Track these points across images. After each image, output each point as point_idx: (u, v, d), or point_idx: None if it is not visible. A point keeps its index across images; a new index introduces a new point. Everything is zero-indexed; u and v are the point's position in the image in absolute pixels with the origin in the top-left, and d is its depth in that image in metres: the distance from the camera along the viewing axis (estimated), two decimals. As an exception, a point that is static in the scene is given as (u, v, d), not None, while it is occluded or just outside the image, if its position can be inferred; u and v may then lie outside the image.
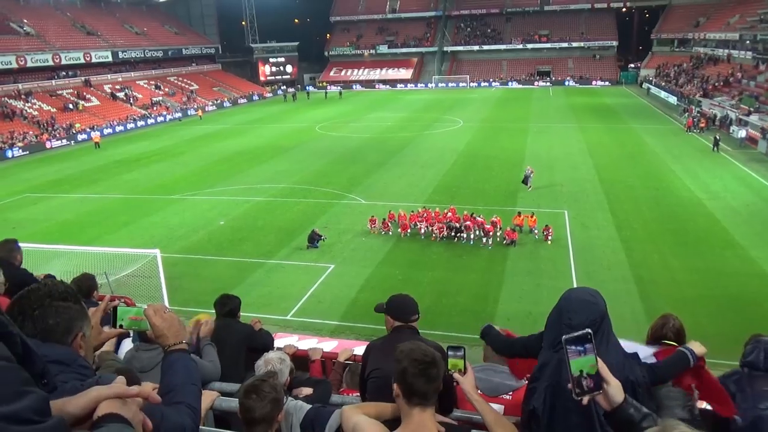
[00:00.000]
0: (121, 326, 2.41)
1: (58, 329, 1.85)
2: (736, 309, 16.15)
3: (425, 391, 2.32)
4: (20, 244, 16.85)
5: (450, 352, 2.73)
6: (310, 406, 2.97)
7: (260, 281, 19.23)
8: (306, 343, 12.86)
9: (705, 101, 50.48)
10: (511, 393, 3.74)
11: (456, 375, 2.59)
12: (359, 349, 12.17)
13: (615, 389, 1.95)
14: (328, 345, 12.82)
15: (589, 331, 1.99)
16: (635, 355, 2.81)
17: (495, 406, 3.66)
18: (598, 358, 1.96)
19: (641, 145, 38.70)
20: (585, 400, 1.92)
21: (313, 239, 21.64)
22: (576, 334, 1.98)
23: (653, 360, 3.20)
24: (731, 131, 40.52)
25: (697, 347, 3.08)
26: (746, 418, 3.25)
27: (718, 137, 36.38)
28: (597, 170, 31.93)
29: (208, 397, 3.12)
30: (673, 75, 66.64)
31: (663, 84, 65.95)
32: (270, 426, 2.65)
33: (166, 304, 17.08)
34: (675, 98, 57.93)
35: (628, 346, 3.06)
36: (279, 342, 11.41)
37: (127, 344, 4.55)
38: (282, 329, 14.92)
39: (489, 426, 2.59)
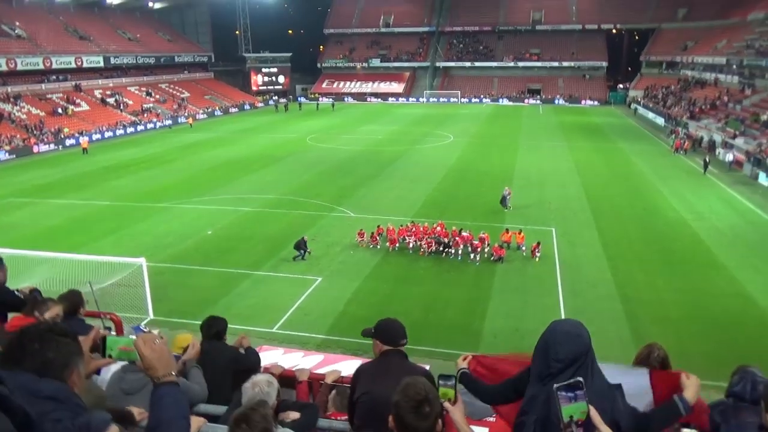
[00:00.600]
0: (110, 356, 2.41)
1: (57, 363, 1.88)
2: (720, 329, 16.31)
3: (416, 428, 2.33)
4: (3, 250, 16.49)
5: (440, 381, 2.73)
6: None
7: (247, 292, 19.10)
8: (291, 357, 12.79)
9: (692, 123, 51.23)
10: (495, 416, 3.75)
11: (446, 404, 2.59)
12: (345, 365, 12.13)
13: None
14: (314, 359, 12.77)
15: (580, 379, 2.01)
16: (619, 387, 2.81)
17: (480, 429, 3.66)
18: (590, 406, 1.97)
19: (629, 164, 39.14)
20: None
21: (300, 247, 21.58)
22: (567, 382, 2.00)
23: (649, 392, 3.14)
24: (717, 154, 41.10)
25: (691, 392, 2.99)
26: None
27: (707, 159, 36.84)
28: (585, 188, 32.22)
29: (195, 424, 3.08)
30: (661, 97, 67.61)
31: (651, 105, 66.88)
32: None
33: (151, 314, 16.94)
34: (662, 119, 58.75)
35: (615, 371, 3.03)
36: (264, 355, 11.34)
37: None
38: (267, 342, 14.83)
39: None
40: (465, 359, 3.61)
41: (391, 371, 3.48)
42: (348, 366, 12.31)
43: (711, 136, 44.97)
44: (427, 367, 11.81)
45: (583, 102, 79.06)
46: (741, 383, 3.54)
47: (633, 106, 72.63)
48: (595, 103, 78.87)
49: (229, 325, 5.27)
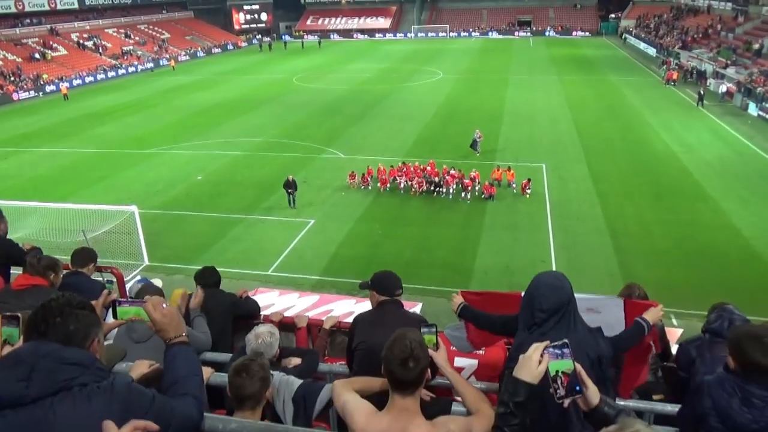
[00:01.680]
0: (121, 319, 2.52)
1: (78, 334, 1.99)
2: (706, 260, 16.73)
3: (403, 381, 2.47)
4: (-7, 201, 16.30)
5: (424, 329, 2.89)
6: (301, 381, 3.09)
7: (240, 237, 19.23)
8: (287, 299, 13.03)
9: (684, 53, 50.51)
10: (483, 349, 3.92)
11: (430, 351, 2.74)
12: (340, 305, 12.38)
13: (592, 393, 2.16)
14: (310, 299, 13.01)
15: (566, 341, 2.17)
16: (599, 330, 3.00)
17: (469, 361, 3.84)
18: (577, 364, 2.14)
19: (620, 97, 38.84)
20: (566, 403, 2.13)
21: (289, 186, 21.10)
22: (555, 343, 2.19)
23: (622, 322, 3.40)
24: (708, 84, 40.78)
25: (651, 315, 3.34)
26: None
27: (702, 92, 36.49)
28: (576, 123, 32.08)
29: (204, 374, 3.22)
30: (653, 26, 66.28)
31: (643, 35, 65.63)
32: (258, 402, 2.78)
33: (146, 260, 17.09)
34: (654, 50, 57.83)
35: (595, 301, 3.32)
36: (260, 297, 11.56)
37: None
38: (263, 284, 15.04)
39: (462, 396, 2.75)
40: (458, 295, 3.80)
41: (387, 321, 3.62)
42: (343, 306, 12.61)
43: (701, 66, 44.45)
44: (418, 307, 12.06)
45: (574, 33, 77.36)
46: (718, 321, 3.73)
47: (624, 36, 71.25)
48: (587, 34, 77.22)
49: (224, 270, 5.37)
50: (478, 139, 26.90)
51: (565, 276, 2.99)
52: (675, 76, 43.11)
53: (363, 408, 2.57)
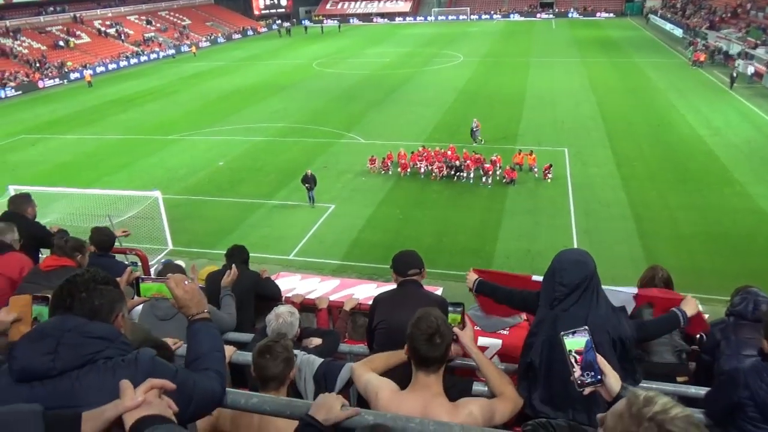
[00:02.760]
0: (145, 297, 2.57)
1: (103, 309, 2.03)
2: (732, 245, 16.41)
3: (428, 358, 2.49)
4: (22, 187, 16.85)
5: (450, 308, 2.89)
6: (322, 360, 3.12)
7: (261, 222, 19.40)
8: (309, 283, 13.15)
9: (711, 33, 49.18)
10: (508, 329, 3.92)
11: (455, 329, 2.74)
12: (361, 289, 12.44)
13: (612, 381, 2.12)
14: (331, 284, 13.12)
15: (587, 327, 2.15)
16: (623, 309, 2.97)
17: (493, 341, 3.84)
18: (598, 355, 2.12)
19: (645, 79, 38.06)
20: (587, 391, 2.10)
21: (307, 181, 20.22)
22: (573, 330, 2.16)
23: (632, 302, 3.35)
24: (736, 65, 39.70)
25: (690, 308, 3.22)
26: (731, 363, 3.42)
27: (735, 74, 35.46)
28: (599, 106, 31.55)
29: (227, 352, 3.27)
30: (680, 6, 64.60)
31: (669, 15, 64.02)
32: (282, 383, 2.81)
33: (170, 245, 17.35)
34: (681, 30, 56.42)
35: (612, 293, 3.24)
36: (282, 281, 11.70)
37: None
38: (284, 269, 15.19)
39: (486, 377, 2.74)
40: (472, 272, 3.77)
41: (407, 300, 3.62)
42: (364, 290, 12.68)
43: (729, 47, 43.23)
44: (440, 291, 12.10)
45: (598, 14, 75.76)
46: (743, 303, 3.68)
47: (648, 15, 69.54)
48: (611, 15, 75.58)
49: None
50: (476, 129, 26.34)
51: (588, 253, 2.95)
52: (702, 58, 42.02)
53: (385, 387, 2.59)
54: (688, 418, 1.45)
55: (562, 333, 2.14)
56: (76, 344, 1.84)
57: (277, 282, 10.86)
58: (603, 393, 2.14)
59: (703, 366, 3.52)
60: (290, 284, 12.21)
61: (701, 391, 2.98)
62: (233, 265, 4.48)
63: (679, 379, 3.48)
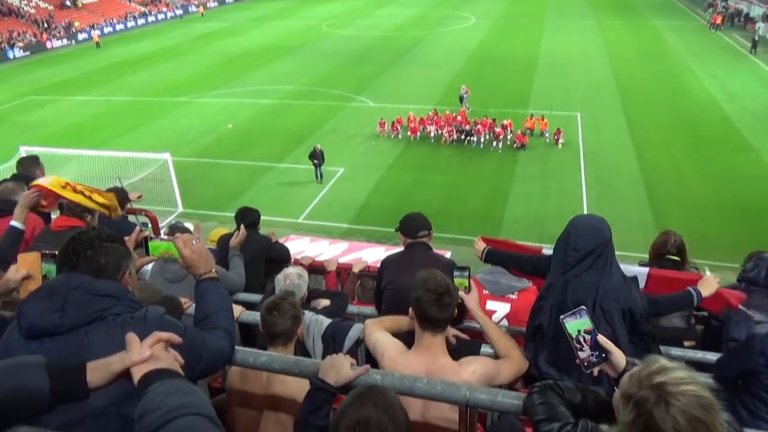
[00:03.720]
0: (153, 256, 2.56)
1: (109, 267, 2.01)
2: (745, 213, 16.27)
3: (437, 318, 2.49)
4: (33, 148, 16.89)
5: (456, 272, 2.88)
6: (330, 320, 3.14)
7: (271, 185, 19.41)
8: (318, 246, 13.22)
9: (732, -5, 47.71)
10: (516, 293, 3.92)
11: (461, 293, 2.74)
12: (369, 253, 12.48)
13: (618, 357, 2.08)
14: (340, 247, 13.20)
15: (584, 307, 2.12)
16: (635, 279, 2.94)
17: (502, 305, 3.85)
18: (599, 334, 2.08)
19: (661, 43, 37.16)
20: (595, 371, 2.08)
21: (315, 156, 19.29)
22: (571, 312, 2.11)
23: (644, 277, 3.29)
24: (757, 29, 38.60)
25: (707, 288, 3.13)
26: (740, 330, 3.40)
27: (756, 38, 34.51)
28: (613, 70, 30.93)
29: (235, 312, 3.30)
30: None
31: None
32: (290, 339, 2.84)
33: (180, 207, 17.45)
34: (701, -9, 54.68)
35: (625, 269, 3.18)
36: (292, 244, 11.75)
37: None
38: (293, 232, 15.27)
39: (492, 340, 2.75)
40: (480, 240, 3.74)
41: (416, 262, 3.62)
42: (372, 253, 12.75)
43: (750, 9, 41.94)
44: (448, 255, 12.10)
45: (615, -25, 73.56)
46: (756, 269, 3.64)
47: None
48: (629, -25, 73.37)
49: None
50: (465, 95, 25.78)
51: (604, 220, 2.90)
52: (719, 21, 40.83)
53: (393, 346, 2.61)
54: (698, 397, 1.40)
55: (562, 317, 2.10)
56: (83, 302, 1.85)
57: (287, 244, 10.95)
58: (609, 370, 2.11)
59: (712, 331, 3.51)
60: (299, 247, 12.30)
61: (708, 355, 2.98)
62: (241, 227, 4.49)
63: (686, 343, 3.48)
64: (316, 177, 19.47)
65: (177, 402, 1.36)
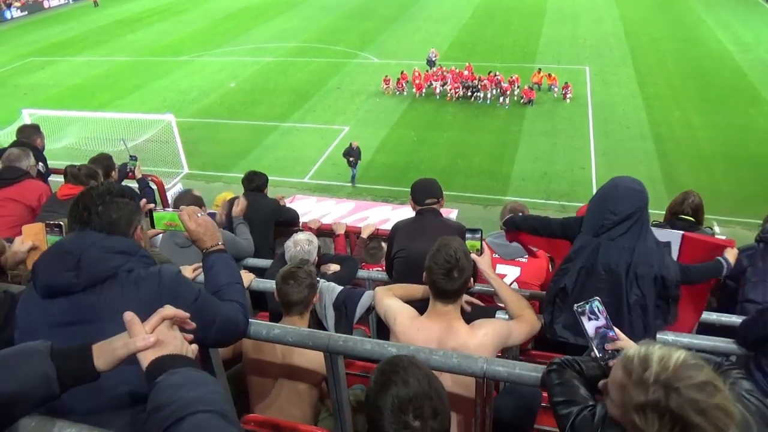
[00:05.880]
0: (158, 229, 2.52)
1: (121, 223, 1.97)
2: (754, 167, 16.09)
3: (447, 290, 2.46)
4: (35, 111, 16.75)
5: (468, 235, 2.83)
6: (342, 287, 3.13)
7: (276, 144, 19.28)
8: (324, 205, 13.23)
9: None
10: (526, 257, 3.89)
11: (473, 255, 2.70)
12: (375, 212, 12.44)
13: (630, 345, 2.03)
14: (346, 206, 13.21)
15: (598, 297, 2.02)
16: (667, 245, 2.87)
17: (512, 268, 3.83)
18: (616, 328, 2.01)
19: (673, -9, 36.04)
20: (611, 363, 2.02)
21: (350, 154, 16.72)
22: (585, 302, 2.01)
23: (678, 241, 3.22)
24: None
25: (731, 256, 3.09)
26: (756, 291, 3.36)
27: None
28: (623, 22, 30.12)
29: (245, 279, 3.29)
30: None
31: None
32: (306, 307, 2.83)
33: (185, 168, 17.42)
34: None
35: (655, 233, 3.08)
36: (298, 204, 11.74)
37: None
38: (300, 191, 15.26)
39: (505, 301, 2.74)
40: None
41: (427, 228, 3.60)
42: (379, 212, 12.75)
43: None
44: (455, 213, 12.04)
45: None
46: None
47: None
48: None
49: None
50: (434, 58, 24.46)
51: (642, 183, 2.82)
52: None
53: (405, 312, 2.61)
54: (688, 365, 1.37)
55: (576, 306, 2.04)
56: (97, 259, 1.82)
57: (293, 205, 10.95)
58: None
59: (727, 292, 3.48)
60: (306, 207, 12.31)
61: (723, 317, 2.96)
62: (240, 196, 4.46)
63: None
64: (351, 179, 16.81)
65: (188, 396, 1.30)
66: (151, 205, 3.05)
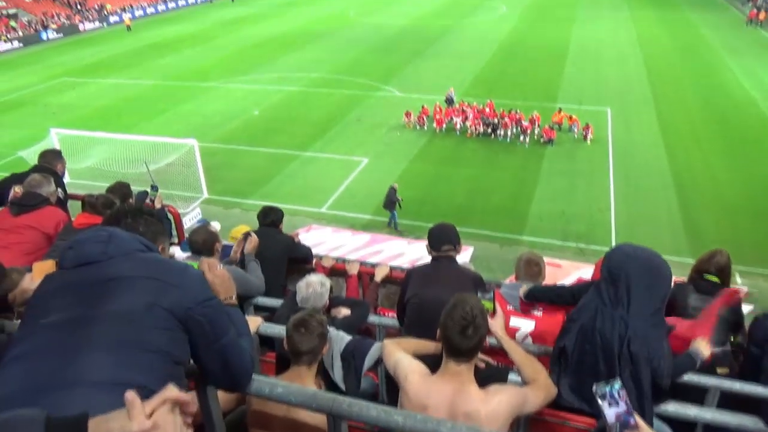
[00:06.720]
0: None
1: (146, 236, 2.06)
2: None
3: (461, 349, 2.39)
4: (63, 131, 17.09)
5: (480, 294, 2.76)
6: (351, 337, 3.06)
7: (295, 173, 19.43)
8: (340, 237, 13.19)
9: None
10: (541, 309, 3.79)
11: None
12: (390, 245, 12.36)
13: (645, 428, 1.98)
14: (362, 238, 13.12)
15: (619, 378, 1.97)
16: (670, 329, 2.78)
17: (527, 321, 3.72)
18: (636, 416, 1.94)
19: (697, 37, 36.12)
20: None
21: (392, 201, 15.92)
22: (606, 382, 1.96)
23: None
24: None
25: (704, 349, 2.95)
26: None
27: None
28: (646, 65, 30.17)
29: (253, 324, 3.25)
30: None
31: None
32: (315, 357, 2.76)
33: (205, 193, 17.59)
34: (741, -16, 52.99)
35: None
36: (314, 234, 11.70)
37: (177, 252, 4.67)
38: (316, 221, 15.28)
39: (518, 365, 2.64)
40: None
41: (442, 276, 3.52)
42: (394, 246, 12.65)
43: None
44: (470, 251, 11.82)
45: (652, -35, 71.65)
46: None
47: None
48: (666, -34, 71.39)
49: (279, 205, 5.34)
50: (452, 97, 24.71)
51: (663, 260, 2.71)
52: (762, 16, 39.43)
53: (416, 369, 2.52)
54: None
55: (595, 387, 1.96)
56: (126, 239, 1.91)
57: (309, 234, 10.90)
58: None
59: (751, 359, 3.31)
60: (321, 238, 12.26)
61: (746, 387, 2.82)
62: (251, 234, 4.42)
63: (719, 370, 3.30)
64: (392, 222, 16.12)
65: None
66: (171, 252, 3.06)
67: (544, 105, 23.62)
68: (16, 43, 40.70)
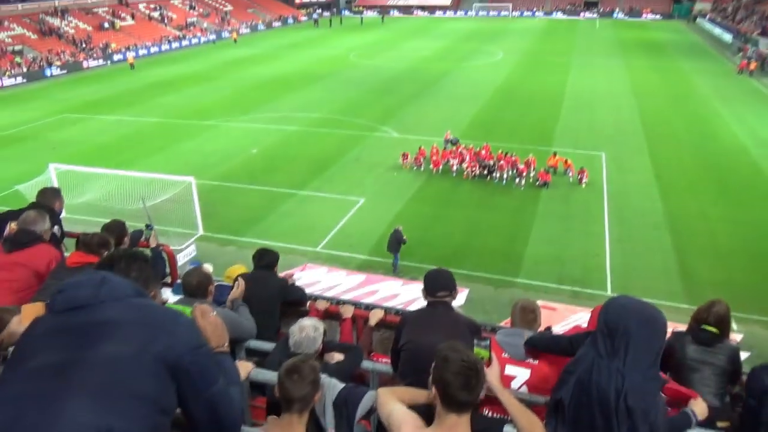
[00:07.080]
0: None
1: (138, 282, 2.11)
2: (772, 264, 15.80)
3: (464, 402, 2.34)
4: (61, 166, 17.16)
5: (475, 341, 2.73)
6: (344, 385, 3.01)
7: (291, 212, 19.46)
8: (335, 276, 13.10)
9: (763, 41, 47.37)
10: (538, 359, 3.74)
11: None
12: (386, 286, 12.26)
13: None
14: (356, 278, 13.03)
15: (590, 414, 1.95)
16: (664, 382, 2.75)
17: (521, 370, 3.67)
18: None
19: (689, 85, 36.91)
20: None
21: (399, 242, 15.79)
22: None
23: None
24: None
25: (699, 409, 2.96)
26: None
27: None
28: (640, 111, 30.73)
29: (244, 369, 3.20)
30: (730, 10, 62.42)
31: (719, 20, 61.92)
32: (307, 405, 2.69)
33: (201, 230, 17.54)
34: (730, 36, 54.53)
35: None
36: (308, 273, 11.62)
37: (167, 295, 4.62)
38: (311, 260, 15.20)
39: (514, 418, 2.59)
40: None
41: (436, 322, 3.49)
42: (389, 287, 12.56)
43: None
44: (465, 293, 11.76)
45: (644, 15, 73.82)
46: None
47: (696, 18, 67.43)
48: (657, 16, 73.55)
49: (274, 244, 5.34)
50: (454, 138, 24.87)
51: (661, 313, 2.68)
52: (753, 66, 40.40)
53: (410, 421, 2.45)
54: None
55: None
56: (118, 283, 1.92)
57: (304, 273, 10.81)
58: None
59: (750, 411, 3.25)
60: (316, 277, 12.17)
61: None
62: (239, 280, 4.41)
63: (719, 424, 3.24)
64: (395, 266, 15.82)
65: None
66: (163, 297, 3.05)
67: (539, 148, 23.92)
68: (20, 79, 41.23)
